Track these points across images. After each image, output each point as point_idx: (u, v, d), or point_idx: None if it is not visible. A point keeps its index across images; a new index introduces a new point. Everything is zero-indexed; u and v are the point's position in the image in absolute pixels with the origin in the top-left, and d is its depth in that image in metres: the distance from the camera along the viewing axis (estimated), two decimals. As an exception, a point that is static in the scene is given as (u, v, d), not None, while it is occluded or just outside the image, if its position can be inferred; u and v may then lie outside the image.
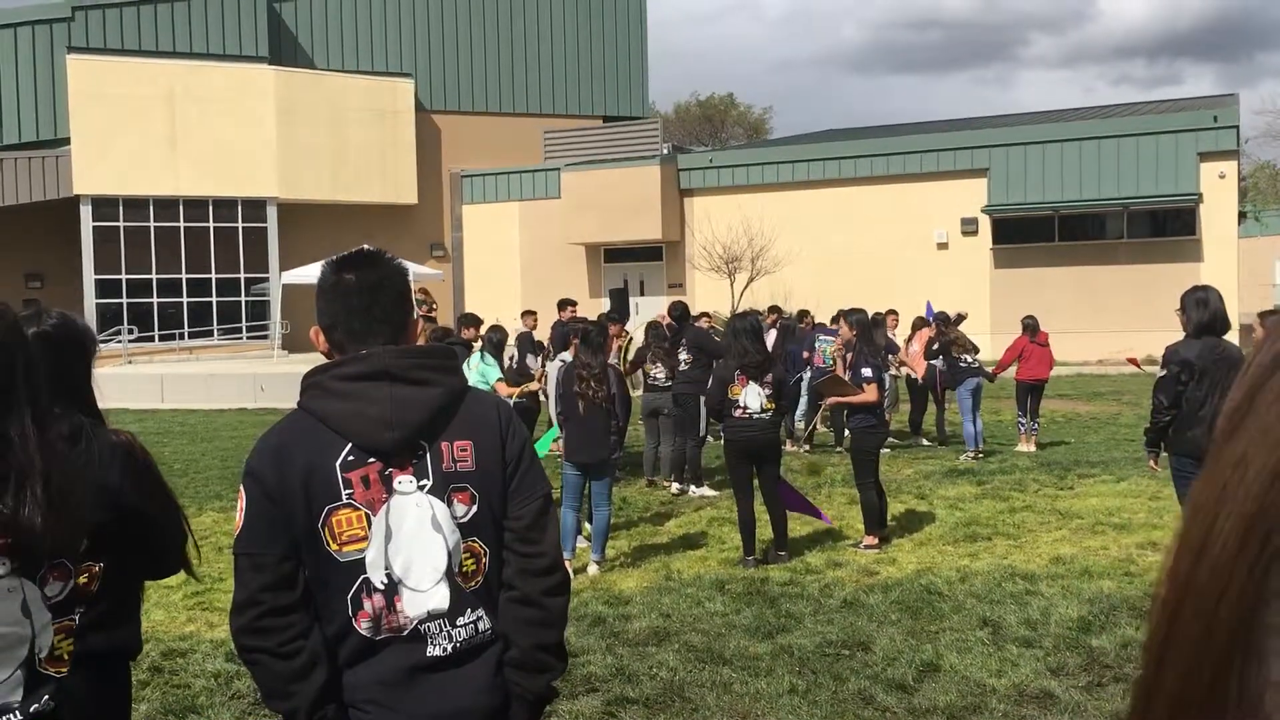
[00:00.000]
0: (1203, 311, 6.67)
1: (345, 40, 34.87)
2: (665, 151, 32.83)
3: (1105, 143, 27.80)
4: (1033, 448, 13.88)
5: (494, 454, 2.57)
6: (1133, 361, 13.34)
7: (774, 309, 16.94)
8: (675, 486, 11.69)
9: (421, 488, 2.50)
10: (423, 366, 2.55)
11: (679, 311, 13.03)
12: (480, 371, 10.39)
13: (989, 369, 14.16)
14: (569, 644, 5.20)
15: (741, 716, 5.52)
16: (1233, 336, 8.72)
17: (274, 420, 2.66)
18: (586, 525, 9.00)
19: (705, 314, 15.58)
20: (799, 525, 9.56)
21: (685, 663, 6.25)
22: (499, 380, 10.41)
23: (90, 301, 30.31)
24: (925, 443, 14.77)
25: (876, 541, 8.95)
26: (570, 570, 7.97)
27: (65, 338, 2.70)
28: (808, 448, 14.62)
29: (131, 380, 23.65)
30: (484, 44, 36.72)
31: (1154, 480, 10.43)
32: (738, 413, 8.58)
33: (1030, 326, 14.05)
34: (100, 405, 2.79)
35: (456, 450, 2.53)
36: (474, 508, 2.54)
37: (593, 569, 8.47)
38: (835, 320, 11.93)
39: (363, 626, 2.47)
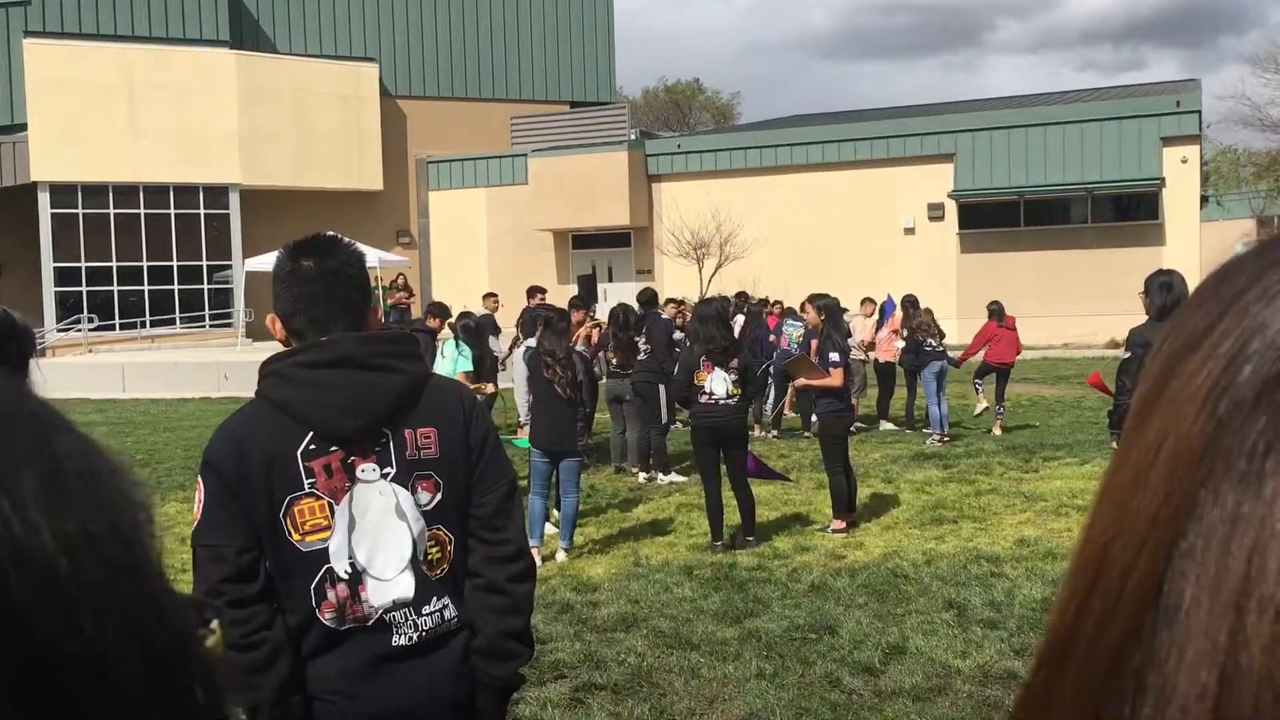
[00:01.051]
0: (1167, 295, 6.72)
1: (308, 24, 34.50)
2: (633, 137, 32.77)
3: (1070, 128, 28.00)
4: (999, 431, 13.98)
5: (458, 441, 2.54)
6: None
7: (741, 295, 16.94)
8: (643, 476, 11.69)
9: (385, 476, 2.47)
10: (385, 353, 2.51)
11: (645, 297, 13.06)
12: (453, 360, 10.27)
13: (954, 355, 14.22)
14: (537, 631, 5.18)
15: (709, 701, 5.53)
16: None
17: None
18: (554, 512, 8.98)
19: (673, 300, 15.48)
20: (767, 510, 9.58)
21: (653, 648, 6.26)
22: (463, 372, 10.28)
23: (49, 289, 29.93)
24: (892, 427, 14.85)
25: (844, 525, 8.98)
26: (538, 557, 7.97)
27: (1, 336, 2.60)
28: (775, 433, 14.65)
29: (92, 369, 23.39)
30: (449, 28, 36.45)
31: (1117, 462, 10.52)
32: (704, 398, 8.58)
33: (996, 311, 14.13)
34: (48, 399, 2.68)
35: (420, 437, 2.50)
36: (438, 495, 2.51)
37: (561, 556, 8.45)
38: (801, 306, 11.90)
39: (326, 617, 2.44)
